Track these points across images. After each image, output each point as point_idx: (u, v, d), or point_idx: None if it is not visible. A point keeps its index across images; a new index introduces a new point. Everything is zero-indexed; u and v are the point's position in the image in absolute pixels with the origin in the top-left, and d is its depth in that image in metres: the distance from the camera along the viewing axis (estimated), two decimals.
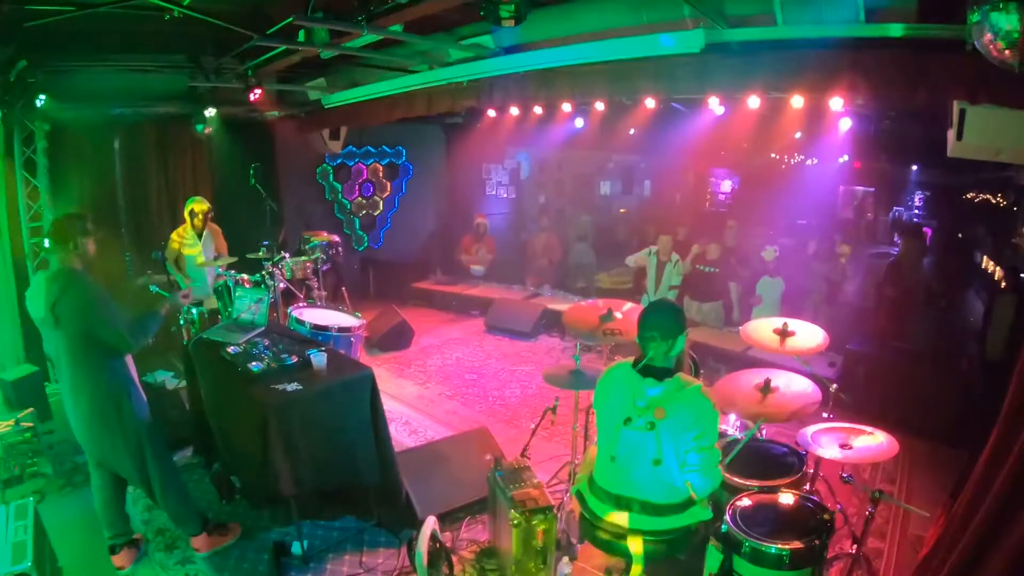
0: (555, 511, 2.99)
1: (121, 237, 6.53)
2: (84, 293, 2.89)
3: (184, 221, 5.61)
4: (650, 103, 5.30)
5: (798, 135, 7.05)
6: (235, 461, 3.42)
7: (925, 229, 8.47)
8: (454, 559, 3.21)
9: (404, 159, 9.35)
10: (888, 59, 3.07)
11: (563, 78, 4.37)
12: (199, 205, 5.55)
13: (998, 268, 6.23)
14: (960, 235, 8.01)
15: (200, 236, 5.57)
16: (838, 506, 3.25)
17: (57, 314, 2.85)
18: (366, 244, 9.30)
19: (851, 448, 2.73)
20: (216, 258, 5.55)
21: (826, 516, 2.51)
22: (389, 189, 9.35)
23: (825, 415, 3.27)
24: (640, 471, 2.39)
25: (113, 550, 3.22)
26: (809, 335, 3.42)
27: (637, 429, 2.37)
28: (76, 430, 3.10)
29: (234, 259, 5.52)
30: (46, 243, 5.41)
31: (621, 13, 3.68)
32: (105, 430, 3.02)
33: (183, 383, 4.44)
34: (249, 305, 3.94)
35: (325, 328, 4.48)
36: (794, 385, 3.19)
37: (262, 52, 4.76)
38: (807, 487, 2.99)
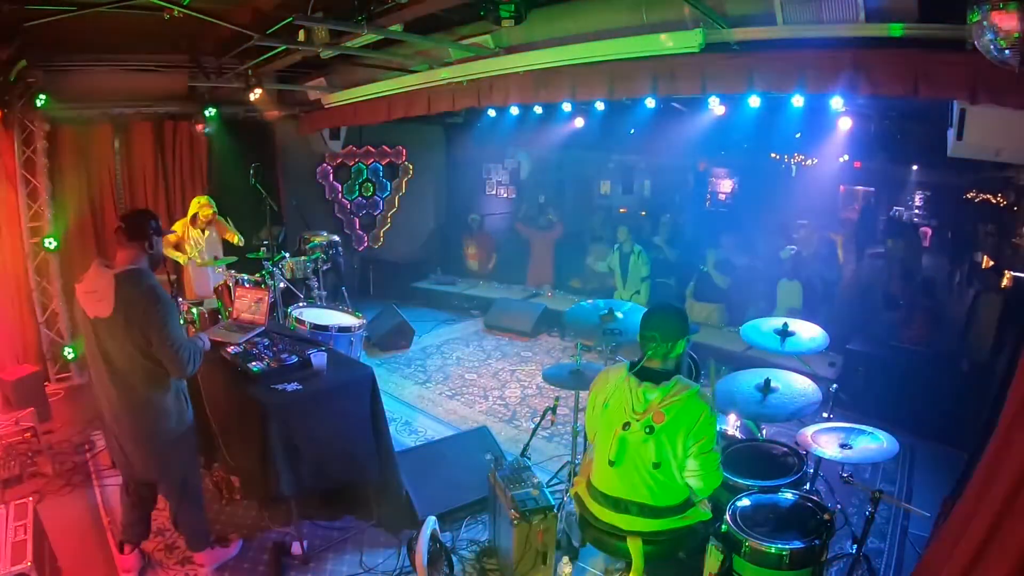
0: (555, 511, 3.00)
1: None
2: (160, 304, 2.70)
3: (186, 214, 5.65)
4: (650, 103, 5.30)
5: (798, 135, 7.04)
6: (235, 461, 3.42)
7: (924, 229, 8.45)
8: (454, 559, 3.21)
9: (404, 159, 9.35)
10: (888, 59, 3.07)
11: (563, 78, 4.37)
12: (203, 210, 5.55)
13: (987, 267, 6.22)
14: (960, 235, 8.00)
15: (202, 232, 5.61)
16: (838, 506, 3.25)
17: (128, 319, 2.65)
18: (366, 244, 9.30)
19: (851, 448, 2.73)
20: (216, 258, 5.55)
21: (826, 516, 2.51)
22: (389, 189, 9.35)
23: (825, 415, 3.27)
24: (639, 475, 2.39)
25: (122, 548, 3.16)
26: (809, 335, 3.44)
27: (636, 434, 2.37)
28: (120, 440, 2.94)
29: (233, 259, 5.53)
30: (50, 243, 5.43)
31: (621, 13, 3.68)
32: (161, 441, 2.89)
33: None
34: (249, 305, 3.94)
35: (325, 328, 4.48)
36: (794, 385, 3.19)
37: (262, 52, 4.76)
38: (807, 487, 2.99)
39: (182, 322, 4.98)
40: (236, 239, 5.77)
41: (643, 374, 2.42)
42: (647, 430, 2.35)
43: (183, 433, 2.98)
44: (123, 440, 2.94)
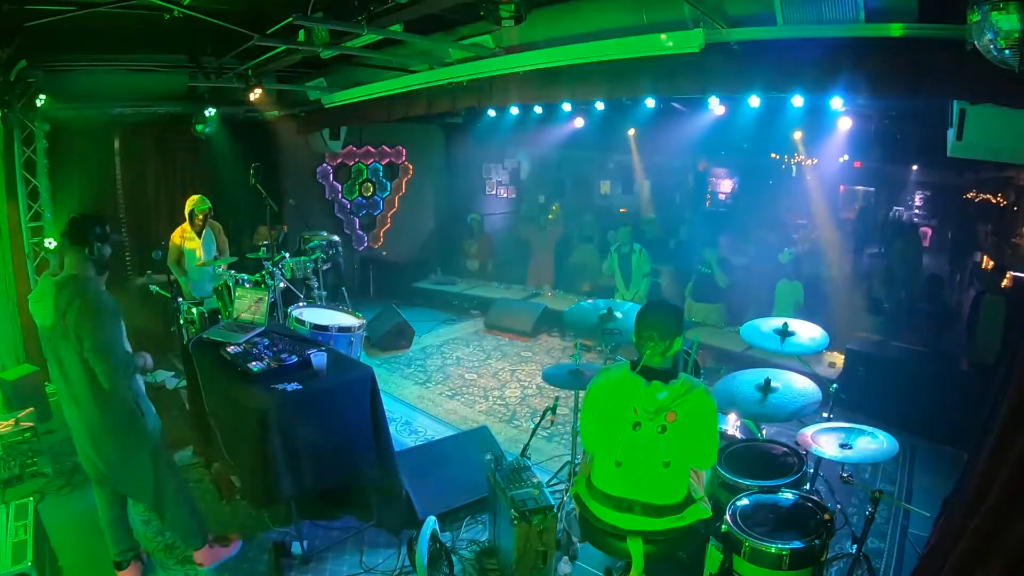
0: (555, 511, 3.00)
1: (121, 237, 6.53)
2: (95, 308, 2.65)
3: (185, 220, 5.61)
4: (650, 103, 5.30)
5: (798, 135, 7.05)
6: (235, 461, 3.42)
7: (924, 229, 8.47)
8: (454, 559, 3.21)
9: (404, 159, 9.35)
10: (888, 59, 3.07)
11: (563, 78, 4.37)
12: (199, 205, 5.53)
13: (989, 267, 6.22)
14: (960, 235, 8.02)
15: (200, 234, 5.57)
16: (838, 506, 3.25)
17: (67, 324, 2.63)
18: (366, 244, 9.30)
19: (851, 448, 2.73)
20: (216, 258, 5.54)
21: (826, 516, 2.51)
22: (389, 189, 9.36)
23: (825, 415, 3.27)
24: (648, 474, 2.39)
25: (119, 566, 3.11)
26: (809, 335, 3.44)
27: (648, 434, 2.36)
28: (84, 449, 2.91)
29: (234, 259, 5.52)
30: (49, 243, 5.43)
31: (621, 13, 3.68)
32: (120, 451, 2.86)
33: (183, 383, 4.44)
34: (249, 305, 3.94)
35: (325, 328, 4.48)
36: (794, 385, 3.19)
37: (262, 52, 4.76)
38: (807, 487, 2.99)
39: (182, 321, 4.97)
40: (225, 254, 5.73)
41: (648, 373, 2.41)
42: (659, 429, 2.34)
43: (147, 438, 2.92)
44: (101, 459, 2.90)
